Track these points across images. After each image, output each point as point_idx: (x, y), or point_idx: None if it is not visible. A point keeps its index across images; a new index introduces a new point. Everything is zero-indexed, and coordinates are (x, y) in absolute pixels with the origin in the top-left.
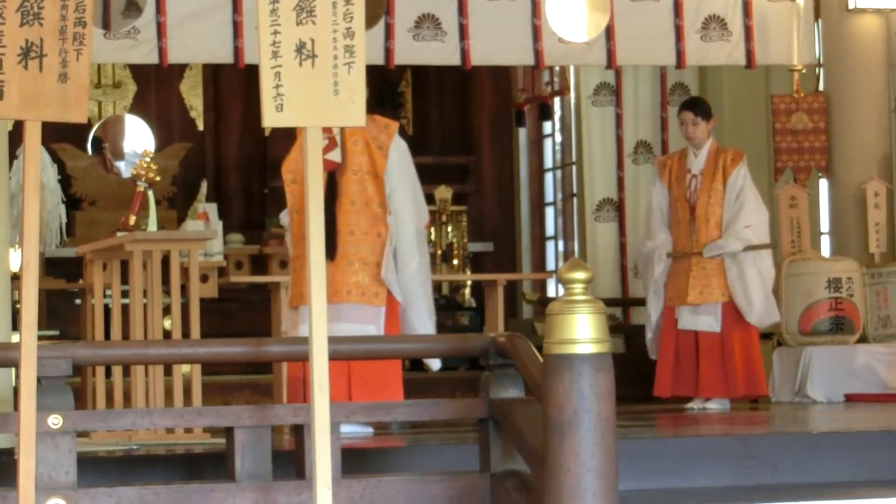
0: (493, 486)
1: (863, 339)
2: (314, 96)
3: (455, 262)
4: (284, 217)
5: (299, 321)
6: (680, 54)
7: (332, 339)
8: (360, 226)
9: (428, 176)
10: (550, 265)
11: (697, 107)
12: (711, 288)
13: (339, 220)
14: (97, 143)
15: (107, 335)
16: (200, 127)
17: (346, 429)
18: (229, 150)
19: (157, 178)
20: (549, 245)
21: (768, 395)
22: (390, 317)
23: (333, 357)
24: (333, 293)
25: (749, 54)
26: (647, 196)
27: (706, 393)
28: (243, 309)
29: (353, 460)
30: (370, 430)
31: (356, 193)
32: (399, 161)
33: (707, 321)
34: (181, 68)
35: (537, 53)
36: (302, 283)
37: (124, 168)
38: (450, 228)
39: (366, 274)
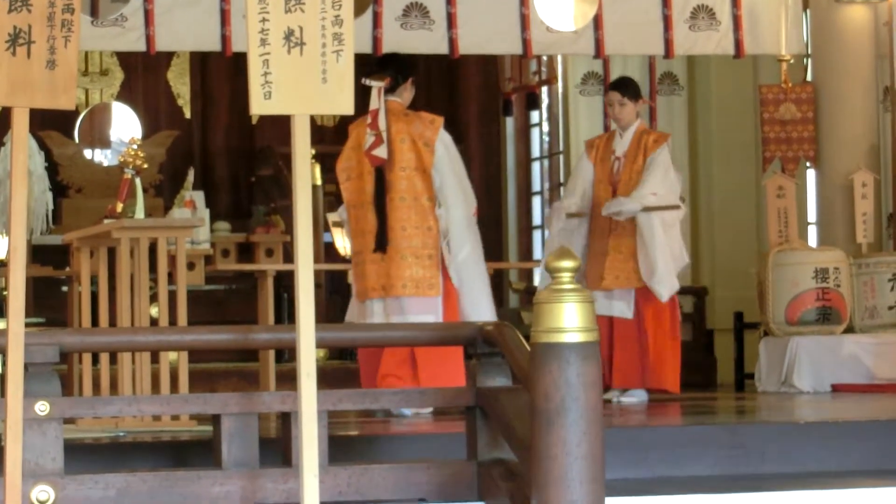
0: (479, 474)
1: (849, 330)
2: (302, 84)
3: None
4: (343, 212)
5: (367, 314)
6: (668, 44)
7: (320, 328)
8: (410, 220)
9: None
10: (537, 254)
11: (625, 87)
12: (627, 273)
13: (389, 216)
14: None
15: (94, 322)
16: (188, 115)
17: (406, 411)
18: (216, 138)
19: (145, 166)
20: (536, 234)
21: (675, 391)
22: (448, 305)
23: (320, 344)
24: (390, 287)
25: (737, 44)
26: None
27: (619, 383)
28: (230, 297)
29: (339, 448)
30: (428, 410)
31: (405, 189)
32: (446, 155)
33: (619, 307)
34: (168, 56)
35: (525, 42)
36: (365, 278)
37: (111, 156)
38: None
39: (419, 266)
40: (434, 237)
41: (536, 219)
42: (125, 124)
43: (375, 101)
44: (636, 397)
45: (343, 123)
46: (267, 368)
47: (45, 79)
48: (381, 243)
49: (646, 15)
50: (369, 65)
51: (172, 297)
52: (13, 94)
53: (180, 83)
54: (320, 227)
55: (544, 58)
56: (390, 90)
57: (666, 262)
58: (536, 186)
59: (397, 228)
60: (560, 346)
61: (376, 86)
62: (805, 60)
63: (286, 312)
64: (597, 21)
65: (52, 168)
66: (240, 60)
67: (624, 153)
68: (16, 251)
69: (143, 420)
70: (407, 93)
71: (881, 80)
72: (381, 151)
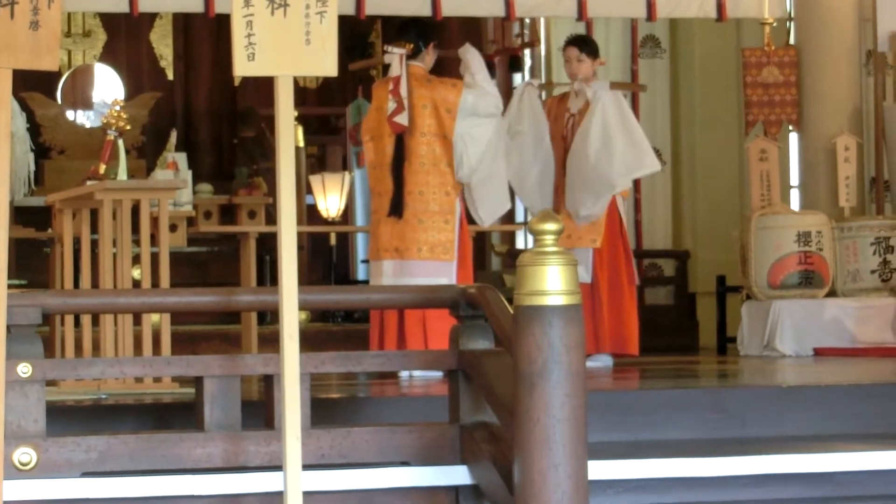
0: (462, 437)
1: (832, 294)
2: (286, 45)
3: None
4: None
5: (377, 274)
6: (650, 7)
7: (302, 290)
8: (429, 185)
9: None
10: (519, 217)
11: (584, 43)
12: (581, 231)
13: (407, 181)
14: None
15: (76, 284)
16: (170, 76)
17: (417, 373)
18: (199, 100)
19: (127, 128)
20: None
21: (636, 353)
22: (462, 269)
23: (302, 307)
24: (405, 250)
25: (720, 7)
26: None
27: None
28: (213, 258)
29: (322, 410)
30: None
31: (425, 155)
32: (469, 115)
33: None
34: (151, 17)
35: (508, 4)
36: (378, 238)
37: (94, 117)
38: None
39: (436, 231)
40: (451, 202)
41: None
42: (108, 86)
43: (397, 68)
44: (600, 362)
45: (326, 85)
46: (249, 331)
47: (29, 39)
48: (397, 208)
49: None
50: (391, 30)
51: (155, 258)
52: None
53: (163, 45)
54: (303, 189)
55: (527, 20)
56: (412, 56)
57: (620, 149)
58: None
59: (415, 193)
60: (543, 309)
61: (398, 53)
62: (788, 23)
63: (268, 274)
64: None
65: (35, 129)
66: (223, 22)
67: (578, 110)
68: None
69: (125, 382)
70: (429, 57)
71: (864, 43)
72: (402, 118)
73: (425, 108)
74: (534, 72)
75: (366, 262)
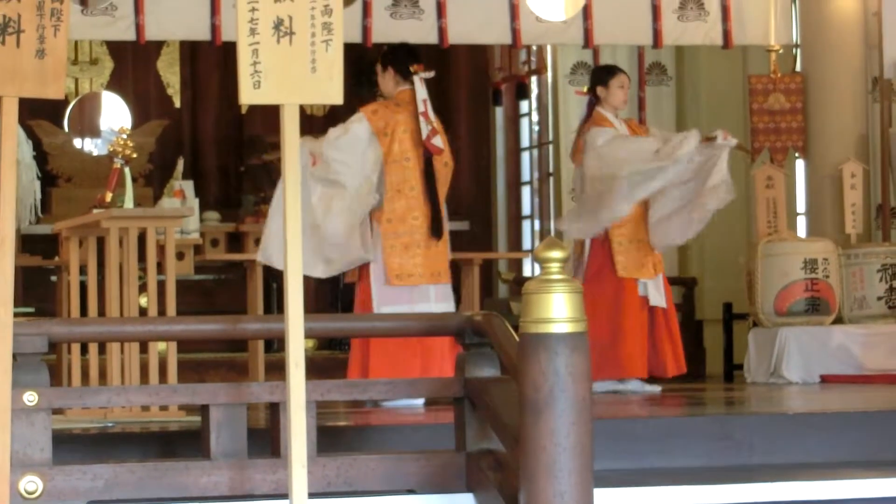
0: (468, 464)
1: (839, 321)
2: (292, 73)
3: None
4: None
5: (416, 300)
6: (657, 34)
7: (308, 317)
8: (444, 207)
9: None
10: (526, 244)
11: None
12: (655, 259)
13: (441, 203)
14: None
15: (82, 312)
16: (177, 104)
17: (397, 403)
18: (206, 128)
19: (134, 156)
20: (526, 224)
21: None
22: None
23: (308, 334)
24: (445, 272)
25: (726, 34)
26: None
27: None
28: (219, 286)
29: (328, 438)
30: (419, 402)
31: (445, 177)
32: None
33: (659, 297)
34: (158, 45)
35: (515, 32)
36: (407, 261)
37: (101, 145)
38: None
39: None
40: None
41: (526, 209)
42: (115, 113)
43: (423, 91)
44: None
45: (333, 113)
46: (256, 358)
47: (35, 68)
48: (438, 230)
49: (635, 5)
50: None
51: (161, 286)
52: (2, 84)
53: (170, 72)
54: None
55: (534, 48)
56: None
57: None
58: (526, 176)
59: (443, 214)
60: (549, 337)
61: (427, 76)
62: (794, 50)
63: (276, 302)
64: (586, 11)
65: (42, 157)
66: (230, 50)
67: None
68: (5, 241)
69: (131, 410)
70: None
71: (870, 70)
72: (437, 141)
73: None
74: (541, 99)
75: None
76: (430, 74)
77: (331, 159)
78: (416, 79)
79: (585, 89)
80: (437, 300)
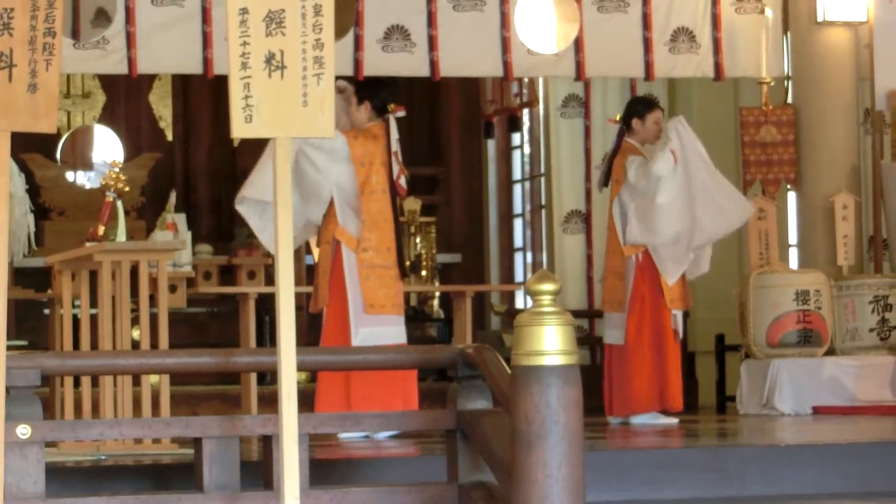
0: (460, 496)
1: (830, 352)
2: (283, 107)
3: (423, 273)
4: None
5: (388, 334)
6: (648, 66)
7: (300, 351)
8: None
9: None
10: (519, 277)
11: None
12: (673, 293)
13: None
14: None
15: (75, 345)
16: (169, 137)
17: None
18: (198, 161)
19: (126, 189)
20: (518, 256)
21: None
22: None
23: (300, 367)
24: (400, 307)
25: (717, 66)
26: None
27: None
28: (212, 319)
29: (321, 471)
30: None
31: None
32: None
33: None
34: (150, 78)
35: (506, 65)
36: (384, 292)
37: (94, 178)
38: (418, 239)
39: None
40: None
41: (518, 241)
42: (107, 147)
43: (395, 131)
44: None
45: None
46: (248, 391)
47: (27, 102)
48: (404, 268)
49: (626, 37)
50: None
51: (154, 319)
52: None
53: (162, 106)
54: (302, 249)
55: (525, 80)
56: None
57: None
58: (518, 209)
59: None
60: (540, 369)
61: (400, 116)
62: (786, 83)
63: (268, 334)
64: (578, 44)
65: (35, 190)
66: (222, 83)
67: None
68: None
69: (124, 443)
70: None
71: (861, 102)
72: (404, 182)
73: None
74: (532, 132)
75: None
76: (403, 114)
77: (304, 154)
78: (391, 118)
79: (618, 117)
80: (401, 331)
